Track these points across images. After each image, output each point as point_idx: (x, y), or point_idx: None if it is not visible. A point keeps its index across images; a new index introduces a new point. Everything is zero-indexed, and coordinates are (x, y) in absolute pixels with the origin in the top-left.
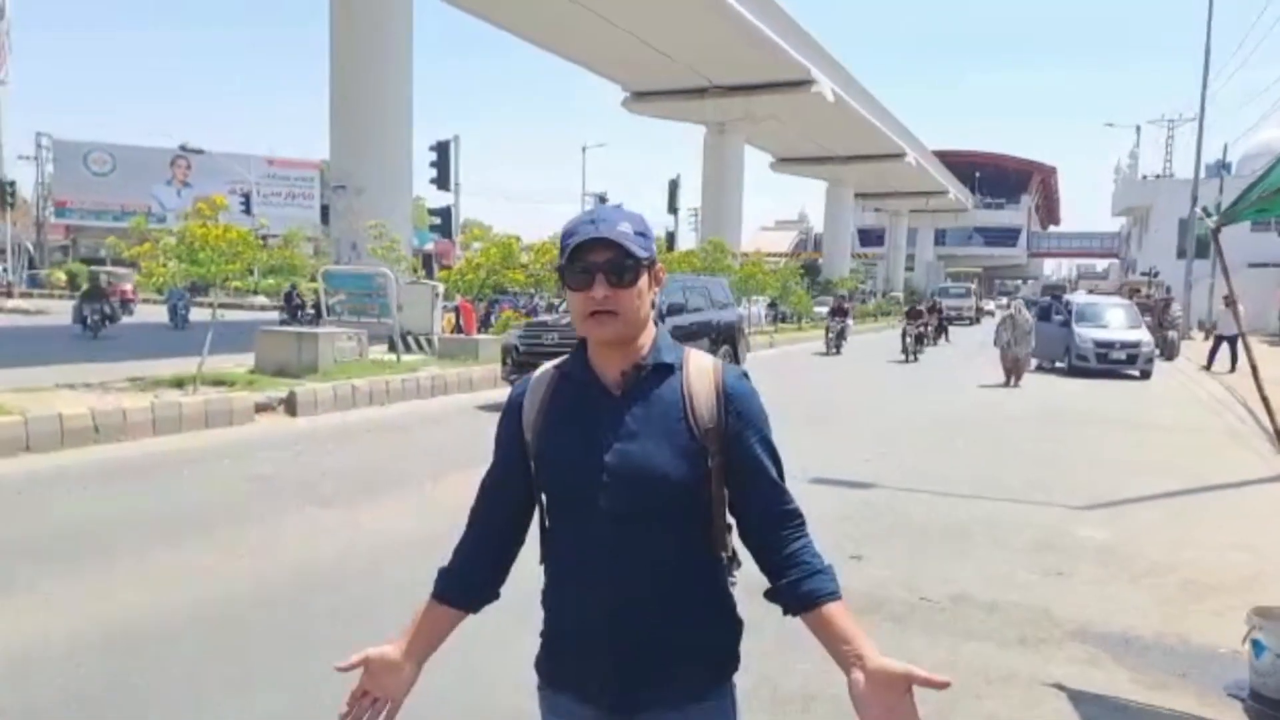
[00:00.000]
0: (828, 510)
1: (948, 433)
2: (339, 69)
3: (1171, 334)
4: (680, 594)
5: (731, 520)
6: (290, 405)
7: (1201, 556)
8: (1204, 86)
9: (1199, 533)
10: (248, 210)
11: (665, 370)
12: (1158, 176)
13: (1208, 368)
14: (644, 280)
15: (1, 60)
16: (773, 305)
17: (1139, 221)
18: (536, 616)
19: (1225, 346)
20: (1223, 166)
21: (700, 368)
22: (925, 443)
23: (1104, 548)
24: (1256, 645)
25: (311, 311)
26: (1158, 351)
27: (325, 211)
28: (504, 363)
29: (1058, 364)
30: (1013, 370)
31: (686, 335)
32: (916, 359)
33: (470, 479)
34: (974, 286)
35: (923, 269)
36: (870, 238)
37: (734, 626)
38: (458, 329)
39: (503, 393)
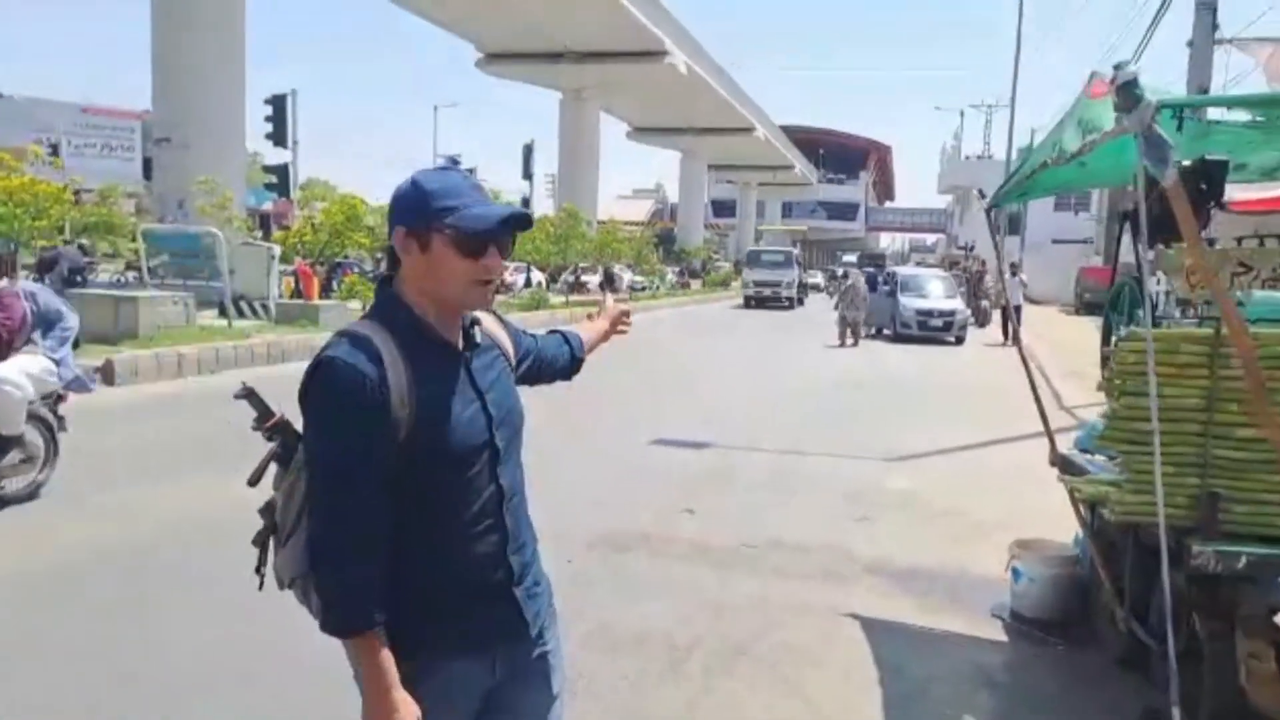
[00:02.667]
0: (669, 469)
1: (779, 393)
2: (161, 8)
3: (984, 303)
4: (528, 516)
5: None
6: (107, 374)
7: (989, 501)
8: (1015, 77)
9: (989, 480)
10: (55, 158)
11: (473, 323)
12: (979, 158)
13: (1013, 342)
14: None
15: None
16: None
17: (961, 199)
18: None
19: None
20: (1031, 149)
21: (484, 315)
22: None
23: (906, 495)
24: (1015, 572)
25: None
26: (972, 319)
27: (148, 165)
28: None
29: (884, 330)
30: (850, 332)
31: None
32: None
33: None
34: (796, 252)
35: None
36: (723, 208)
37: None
38: (297, 294)
39: None
